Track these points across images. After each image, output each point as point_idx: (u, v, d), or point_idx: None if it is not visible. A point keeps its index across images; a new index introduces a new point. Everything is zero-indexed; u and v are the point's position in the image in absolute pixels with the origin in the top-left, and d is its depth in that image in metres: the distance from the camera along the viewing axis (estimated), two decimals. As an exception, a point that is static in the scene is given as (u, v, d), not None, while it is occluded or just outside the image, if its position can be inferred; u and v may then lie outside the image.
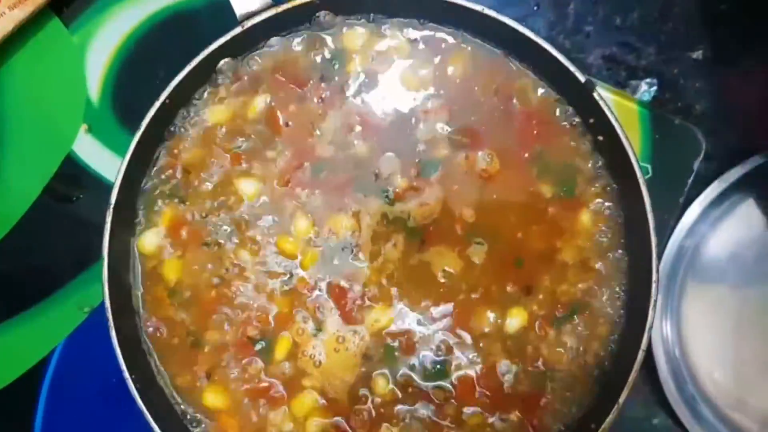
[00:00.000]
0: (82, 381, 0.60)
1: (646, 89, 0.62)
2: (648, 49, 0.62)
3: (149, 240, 0.54)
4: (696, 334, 0.57)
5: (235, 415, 0.52)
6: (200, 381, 0.52)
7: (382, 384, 0.51)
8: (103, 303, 0.59)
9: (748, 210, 0.58)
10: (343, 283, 0.52)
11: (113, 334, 0.48)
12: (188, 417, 0.52)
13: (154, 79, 0.61)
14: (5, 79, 0.63)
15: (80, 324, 0.61)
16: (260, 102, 0.53)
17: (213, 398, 0.52)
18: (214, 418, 0.52)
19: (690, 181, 0.58)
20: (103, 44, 0.62)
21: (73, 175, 0.62)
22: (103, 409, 0.60)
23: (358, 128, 0.53)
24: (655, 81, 0.62)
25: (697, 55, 0.62)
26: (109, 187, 0.48)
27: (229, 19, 0.62)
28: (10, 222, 0.62)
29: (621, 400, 0.46)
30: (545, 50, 0.50)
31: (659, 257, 0.48)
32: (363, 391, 0.51)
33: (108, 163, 0.61)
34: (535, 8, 0.62)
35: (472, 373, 0.51)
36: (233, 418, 0.52)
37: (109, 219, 0.49)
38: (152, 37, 0.62)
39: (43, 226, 0.62)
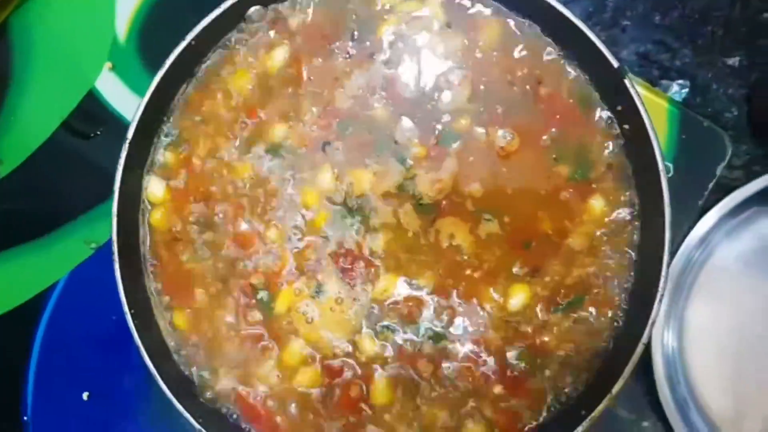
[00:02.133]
0: (81, 316, 0.61)
1: (677, 90, 0.61)
2: (684, 50, 0.61)
3: (157, 183, 0.53)
4: (696, 343, 0.57)
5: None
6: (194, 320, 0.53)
7: (369, 345, 0.51)
8: (110, 241, 0.61)
9: (763, 224, 0.57)
10: (351, 246, 0.52)
11: (117, 267, 0.49)
12: (182, 358, 0.53)
13: (182, 23, 0.61)
14: (34, 10, 0.63)
15: (86, 260, 0.61)
16: (281, 54, 0.53)
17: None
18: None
19: (711, 185, 0.57)
20: (135, -16, 0.62)
21: (92, 112, 0.62)
22: (100, 345, 0.60)
23: (381, 90, 0.52)
24: (687, 83, 0.61)
25: (734, 61, 0.61)
26: (127, 127, 0.48)
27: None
28: (26, 152, 0.62)
29: (615, 390, 0.46)
30: (580, 31, 0.49)
31: (672, 254, 0.48)
32: (350, 348, 0.51)
33: (129, 104, 0.61)
34: (574, -5, 0.61)
35: (466, 346, 0.51)
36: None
37: (123, 155, 0.49)
38: (185, -18, 0.62)
39: (59, 159, 0.62)
